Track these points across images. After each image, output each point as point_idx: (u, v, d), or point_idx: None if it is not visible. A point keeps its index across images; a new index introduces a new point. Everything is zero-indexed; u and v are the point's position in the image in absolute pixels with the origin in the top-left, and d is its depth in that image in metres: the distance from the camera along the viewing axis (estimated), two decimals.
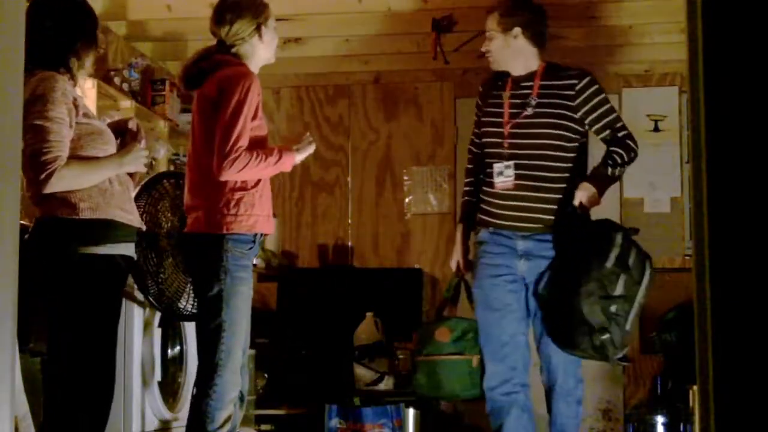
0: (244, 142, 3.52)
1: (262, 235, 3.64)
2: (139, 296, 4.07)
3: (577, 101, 3.98)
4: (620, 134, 4.02)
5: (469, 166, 4.25)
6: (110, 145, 3.35)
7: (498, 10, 4.06)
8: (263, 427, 5.46)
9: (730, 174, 1.70)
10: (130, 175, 3.44)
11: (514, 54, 4.04)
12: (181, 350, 4.45)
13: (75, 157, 3.20)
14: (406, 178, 6.48)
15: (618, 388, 6.12)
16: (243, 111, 3.52)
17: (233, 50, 3.68)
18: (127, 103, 5.24)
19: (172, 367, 4.43)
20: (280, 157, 3.62)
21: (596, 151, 4.13)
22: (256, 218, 3.58)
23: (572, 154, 3.99)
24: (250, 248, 3.58)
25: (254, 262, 3.69)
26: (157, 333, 4.21)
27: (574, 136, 3.99)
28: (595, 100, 4.00)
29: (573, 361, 3.95)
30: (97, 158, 3.27)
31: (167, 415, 4.26)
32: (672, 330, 5.83)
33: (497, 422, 4.02)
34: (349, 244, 6.51)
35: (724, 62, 1.71)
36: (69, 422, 3.20)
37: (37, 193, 3.19)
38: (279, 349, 5.77)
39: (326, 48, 5.93)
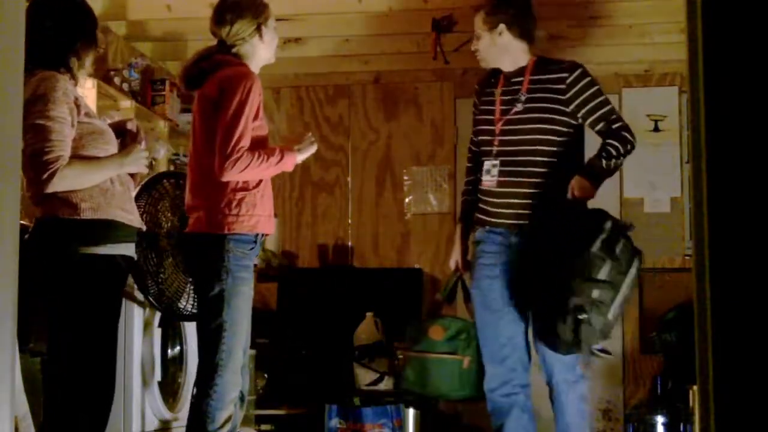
0: (245, 143, 3.52)
1: (263, 235, 3.64)
2: (139, 296, 4.07)
3: (568, 94, 3.94)
4: (615, 126, 3.96)
5: (468, 164, 4.26)
6: (111, 145, 3.35)
7: (483, 8, 4.05)
8: (263, 427, 5.46)
9: (730, 174, 1.70)
10: (132, 175, 3.44)
11: (501, 51, 4.02)
12: (181, 350, 4.45)
13: (76, 157, 3.21)
14: (406, 178, 6.48)
15: (618, 388, 6.12)
16: (244, 111, 3.52)
17: (234, 50, 3.68)
18: (127, 103, 5.24)
19: (172, 367, 4.43)
20: (281, 158, 3.62)
21: (593, 143, 4.06)
22: (258, 218, 3.59)
23: (564, 149, 3.95)
24: (252, 248, 3.58)
25: (255, 262, 3.68)
26: (157, 333, 4.21)
27: (565, 129, 3.95)
28: (587, 93, 3.95)
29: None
30: (98, 158, 3.27)
31: (167, 415, 4.27)
32: (672, 330, 5.83)
33: (498, 423, 4.02)
34: (349, 244, 6.51)
35: (724, 62, 1.71)
36: (69, 422, 3.20)
37: (38, 192, 3.19)
38: (279, 349, 5.77)
39: (326, 48, 5.93)
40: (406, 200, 6.47)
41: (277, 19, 3.81)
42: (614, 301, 3.73)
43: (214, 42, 3.74)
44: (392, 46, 5.89)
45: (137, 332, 4.11)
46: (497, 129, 4.00)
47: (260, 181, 3.62)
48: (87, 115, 3.30)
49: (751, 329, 1.67)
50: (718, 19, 1.72)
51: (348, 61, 6.21)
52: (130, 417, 4.06)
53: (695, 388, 2.24)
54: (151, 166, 4.46)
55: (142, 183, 3.97)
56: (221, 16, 3.69)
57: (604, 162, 3.91)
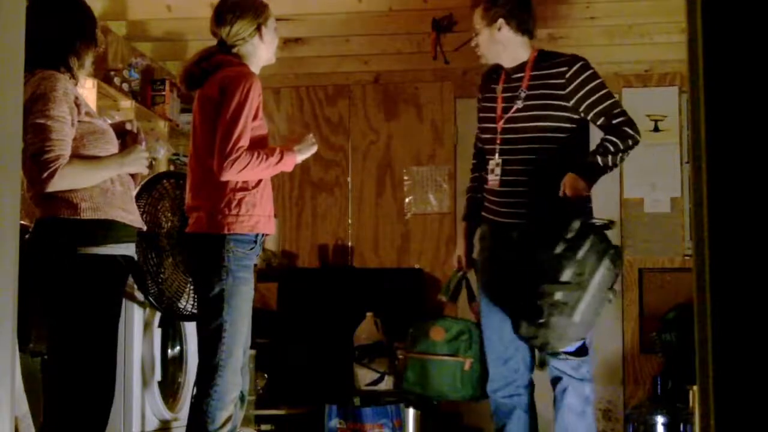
0: (245, 143, 3.52)
1: (263, 235, 3.64)
2: (139, 296, 4.07)
3: (569, 89, 3.86)
4: (615, 121, 3.85)
5: (473, 161, 4.23)
6: (112, 144, 3.35)
7: (481, 4, 3.99)
8: (263, 427, 5.46)
9: (730, 174, 1.70)
10: (132, 175, 3.44)
11: (501, 46, 3.96)
12: (181, 350, 4.45)
13: (77, 156, 3.20)
14: (406, 178, 6.48)
15: (618, 388, 6.13)
16: (244, 111, 3.52)
17: (234, 51, 3.68)
18: (127, 103, 5.24)
19: (172, 367, 4.43)
20: (281, 158, 3.62)
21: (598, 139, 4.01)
22: (258, 218, 3.59)
23: (569, 145, 3.86)
24: (252, 248, 3.58)
25: (255, 262, 3.69)
26: (157, 333, 4.21)
27: (568, 125, 3.87)
28: (588, 87, 3.86)
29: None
30: (98, 158, 3.27)
31: (167, 415, 4.26)
32: (672, 330, 5.83)
33: (499, 423, 4.01)
34: (349, 244, 6.51)
35: (724, 62, 1.71)
36: (69, 422, 3.20)
37: (38, 192, 3.19)
38: (279, 349, 5.77)
39: (326, 48, 5.93)
40: (406, 200, 6.47)
41: (277, 19, 3.81)
42: (581, 302, 3.63)
43: (214, 42, 3.74)
44: (392, 46, 5.89)
45: (137, 332, 4.11)
46: (499, 127, 3.96)
47: (260, 181, 3.62)
48: (87, 114, 3.29)
49: (751, 329, 1.67)
50: (718, 19, 1.72)
51: (348, 61, 6.21)
52: (130, 417, 4.06)
53: (695, 388, 2.24)
54: (151, 166, 4.45)
55: (142, 183, 3.97)
56: (221, 17, 3.69)
57: (599, 158, 3.81)
